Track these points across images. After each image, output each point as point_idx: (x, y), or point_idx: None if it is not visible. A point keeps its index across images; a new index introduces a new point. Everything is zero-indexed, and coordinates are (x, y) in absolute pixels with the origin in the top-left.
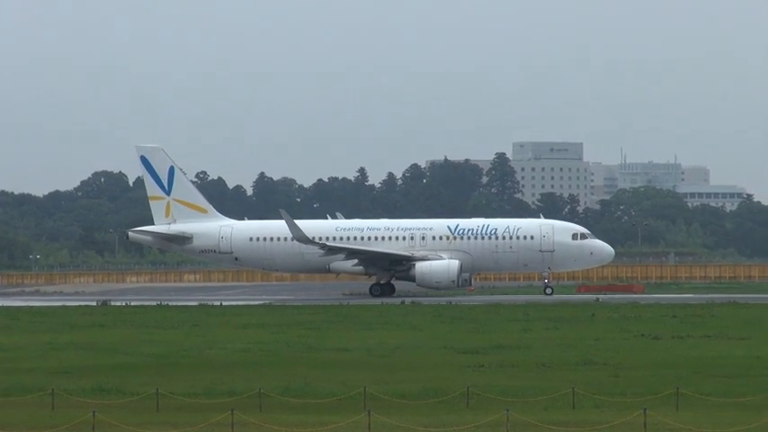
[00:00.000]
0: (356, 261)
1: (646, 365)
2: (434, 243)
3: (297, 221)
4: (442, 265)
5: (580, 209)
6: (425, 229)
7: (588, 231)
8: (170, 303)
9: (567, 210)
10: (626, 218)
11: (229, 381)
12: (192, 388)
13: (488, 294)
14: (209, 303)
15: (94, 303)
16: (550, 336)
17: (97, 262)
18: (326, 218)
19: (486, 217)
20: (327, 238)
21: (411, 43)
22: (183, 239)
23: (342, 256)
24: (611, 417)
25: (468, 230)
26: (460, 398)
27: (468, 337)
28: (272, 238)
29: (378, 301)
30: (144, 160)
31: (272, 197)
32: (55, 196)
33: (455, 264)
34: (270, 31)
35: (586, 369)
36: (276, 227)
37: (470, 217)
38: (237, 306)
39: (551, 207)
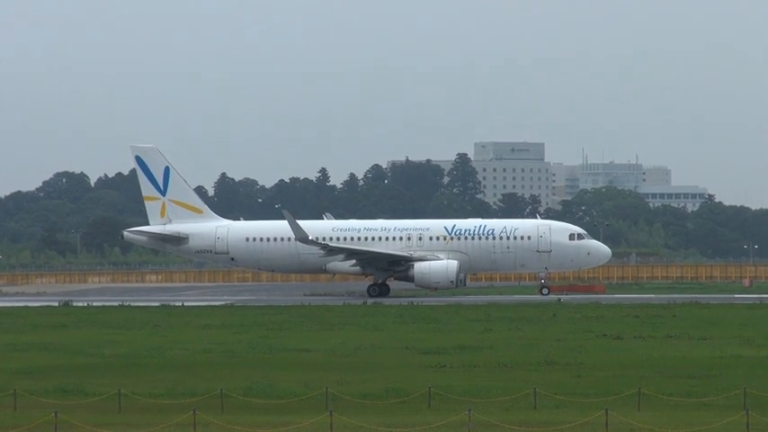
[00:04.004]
0: (354, 261)
1: (607, 366)
2: (431, 243)
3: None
4: (441, 266)
5: (542, 209)
6: (422, 230)
7: (585, 232)
8: (132, 304)
9: (528, 210)
10: (587, 218)
11: (191, 381)
12: (154, 388)
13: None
14: (171, 304)
15: (56, 304)
16: (512, 336)
17: (59, 262)
18: (322, 218)
19: (448, 218)
20: (324, 239)
21: (372, 45)
22: (178, 240)
23: (341, 256)
24: (573, 417)
25: (465, 231)
26: (422, 398)
27: (429, 337)
28: (268, 239)
29: (339, 301)
30: (139, 160)
31: (233, 197)
32: (17, 197)
33: (454, 264)
34: (227, 31)
35: (548, 369)
36: (272, 227)
37: (431, 218)
38: (199, 307)
39: (513, 207)
